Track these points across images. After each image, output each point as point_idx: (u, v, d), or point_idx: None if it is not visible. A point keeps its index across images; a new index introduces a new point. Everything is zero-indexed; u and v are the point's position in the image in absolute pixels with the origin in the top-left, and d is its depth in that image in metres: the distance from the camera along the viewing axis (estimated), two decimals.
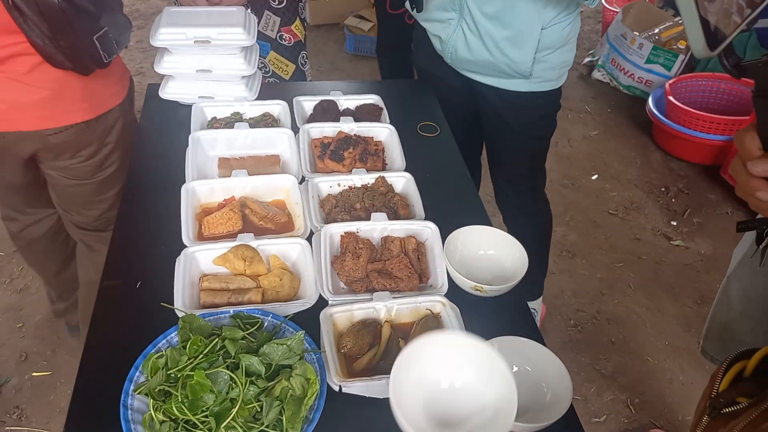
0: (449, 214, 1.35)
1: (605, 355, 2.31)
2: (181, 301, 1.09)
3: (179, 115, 1.63)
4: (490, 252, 1.25)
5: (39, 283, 2.51)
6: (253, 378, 0.93)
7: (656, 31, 3.70)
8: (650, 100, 3.39)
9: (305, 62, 2.50)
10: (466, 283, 1.15)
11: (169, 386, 0.92)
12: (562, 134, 3.48)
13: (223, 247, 1.19)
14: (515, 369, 1.02)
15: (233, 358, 0.94)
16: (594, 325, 2.43)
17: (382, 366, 1.05)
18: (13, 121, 1.40)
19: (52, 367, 2.23)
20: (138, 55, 4.07)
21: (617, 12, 3.86)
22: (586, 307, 2.50)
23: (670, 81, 3.38)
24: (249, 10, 1.69)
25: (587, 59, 4.10)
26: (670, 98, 3.25)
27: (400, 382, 0.88)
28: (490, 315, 1.19)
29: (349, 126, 1.52)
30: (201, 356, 0.93)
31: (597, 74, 3.97)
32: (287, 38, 2.37)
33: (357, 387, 1.00)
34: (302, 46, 2.47)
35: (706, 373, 2.22)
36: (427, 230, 1.26)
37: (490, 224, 1.35)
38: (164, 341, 1.02)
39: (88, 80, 1.42)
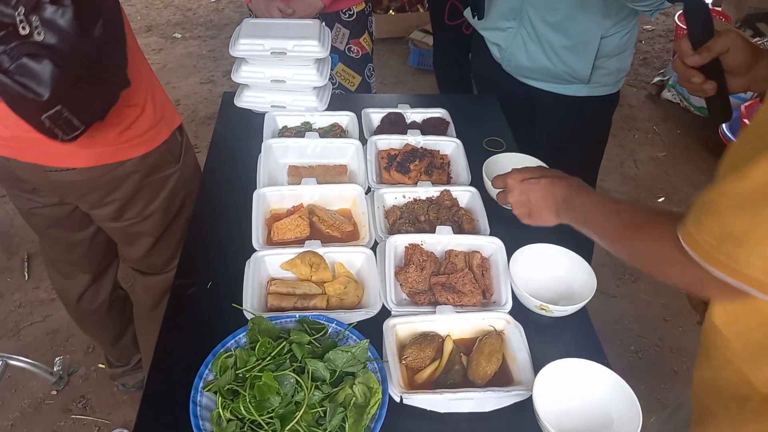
0: (513, 231, 1.34)
1: (666, 385, 2.22)
2: (250, 303, 1.12)
3: (252, 122, 1.69)
4: (557, 271, 1.22)
5: None
6: (318, 383, 0.94)
7: None
8: (724, 123, 3.26)
9: (371, 74, 2.54)
10: (531, 302, 1.14)
11: (237, 385, 0.95)
12: (628, 155, 3.39)
13: (291, 252, 1.21)
14: (583, 393, 1.00)
15: (299, 362, 0.96)
16: (656, 353, 2.34)
17: (443, 380, 1.05)
18: (16, 149, 1.35)
19: None
20: (210, 64, 4.23)
21: None
22: (648, 334, 2.41)
23: (746, 103, 3.24)
24: (322, 23, 1.74)
25: (657, 78, 3.98)
26: (746, 121, 3.11)
27: (540, 397, 0.96)
28: (554, 335, 1.16)
29: (415, 139, 1.54)
30: (269, 358, 0.96)
31: (667, 94, 3.85)
32: (355, 50, 2.42)
33: (419, 399, 1.00)
34: (369, 59, 2.51)
35: None
36: (492, 246, 1.25)
37: (555, 242, 1.33)
38: (233, 341, 1.05)
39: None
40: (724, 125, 3.25)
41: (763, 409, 0.80)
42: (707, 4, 1.07)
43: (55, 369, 2.24)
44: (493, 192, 1.39)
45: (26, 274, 2.64)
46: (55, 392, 2.21)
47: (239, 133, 1.67)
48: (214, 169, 1.54)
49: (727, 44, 1.03)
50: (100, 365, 2.29)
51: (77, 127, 1.18)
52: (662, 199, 3.11)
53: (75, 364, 2.30)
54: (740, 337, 0.81)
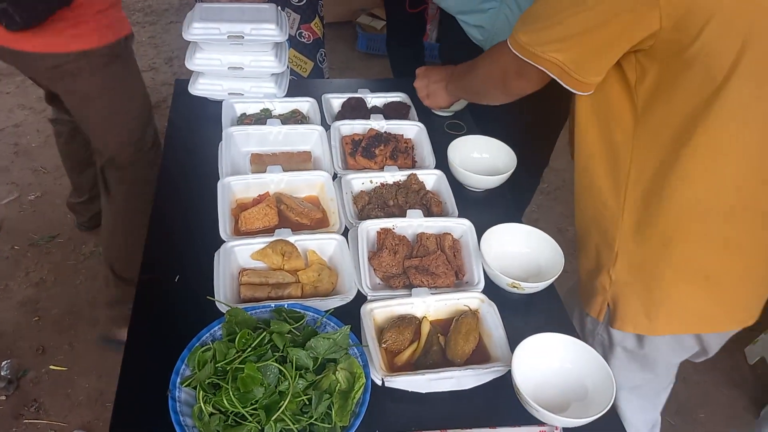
0: (479, 212, 1.37)
1: None
2: (223, 295, 1.10)
3: (208, 110, 1.64)
4: (525, 250, 1.26)
5: (55, 277, 2.52)
6: (301, 371, 0.94)
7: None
8: None
9: (323, 59, 2.50)
10: (503, 280, 1.16)
11: (218, 379, 0.93)
12: None
13: (261, 242, 1.19)
14: (558, 365, 1.04)
15: (281, 352, 0.95)
16: None
17: (422, 361, 1.06)
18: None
19: (69, 361, 2.23)
20: (150, 51, 4.07)
21: None
22: None
23: None
24: (278, 7, 1.70)
25: None
26: None
27: (519, 371, 0.99)
28: (525, 312, 1.20)
29: (379, 123, 1.53)
30: (249, 349, 0.94)
31: None
32: (306, 35, 2.38)
33: (400, 381, 1.01)
34: (321, 44, 2.48)
35: None
36: (462, 227, 1.27)
37: (520, 221, 1.37)
38: (208, 334, 1.02)
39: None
40: None
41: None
42: None
43: (2, 373, 2.14)
44: (463, 175, 1.41)
45: None
46: (4, 397, 2.11)
47: (195, 122, 1.62)
48: (172, 160, 1.49)
49: None
50: (52, 366, 2.20)
51: (18, 23, 1.59)
52: None
53: (24, 367, 2.20)
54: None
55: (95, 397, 2.13)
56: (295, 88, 1.75)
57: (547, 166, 2.27)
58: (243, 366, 0.91)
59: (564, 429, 0.98)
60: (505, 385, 1.04)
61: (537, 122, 1.89)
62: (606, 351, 1.27)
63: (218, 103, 1.63)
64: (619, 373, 1.18)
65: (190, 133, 1.57)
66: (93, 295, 2.46)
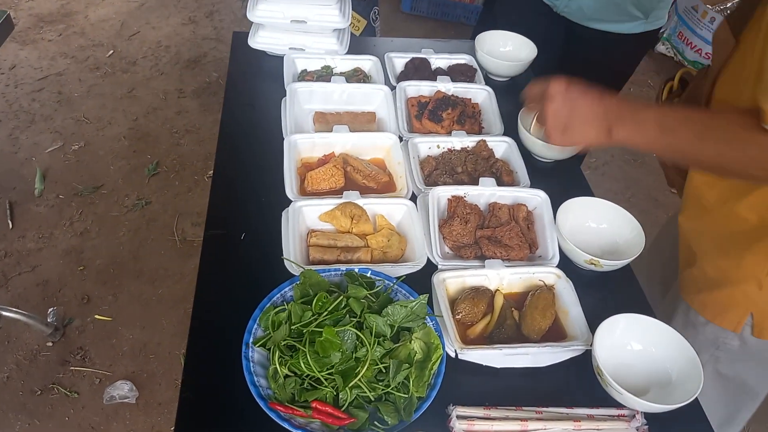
0: (548, 183, 1.31)
1: None
2: (292, 256, 1.07)
3: (266, 65, 1.60)
4: (603, 225, 1.20)
5: (99, 228, 2.53)
6: (379, 339, 0.91)
7: (729, 5, 3.53)
8: None
9: (376, 18, 2.43)
10: (580, 256, 1.11)
11: (294, 341, 0.90)
12: None
13: (329, 203, 1.16)
14: (641, 348, 0.99)
15: (359, 317, 0.92)
16: None
17: (496, 335, 1.03)
18: None
19: (113, 312, 2.26)
20: (191, 3, 4.00)
21: None
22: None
23: None
24: None
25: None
26: None
27: (601, 351, 0.96)
28: (602, 290, 1.15)
29: (446, 86, 1.47)
30: (326, 313, 0.91)
31: (661, 47, 3.82)
32: None
33: (475, 354, 0.98)
34: (375, 2, 2.40)
35: None
36: (537, 198, 1.22)
37: (591, 193, 1.31)
38: (278, 295, 1.00)
39: None
40: None
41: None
42: None
43: (49, 320, 2.17)
44: (532, 143, 1.35)
45: (10, 222, 2.51)
46: (50, 344, 2.14)
47: (253, 77, 1.57)
48: (233, 115, 1.45)
49: None
50: (97, 316, 2.23)
51: None
52: None
53: (69, 315, 2.22)
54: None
55: (139, 348, 2.15)
56: (354, 46, 1.69)
57: None
58: (320, 330, 0.89)
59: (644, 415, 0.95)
60: (580, 364, 1.01)
61: (608, 77, 1.86)
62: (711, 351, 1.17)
63: (277, 58, 1.58)
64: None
65: (249, 87, 1.53)
66: (136, 248, 2.47)
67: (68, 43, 3.50)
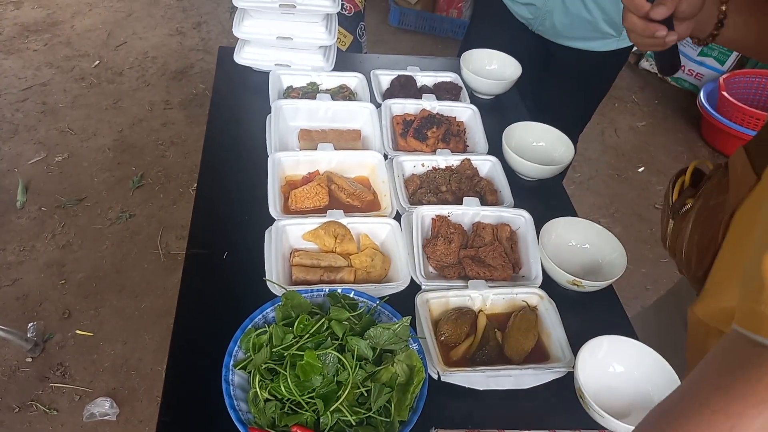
0: (531, 202, 1.31)
1: None
2: (275, 276, 1.06)
3: (251, 80, 1.59)
4: (585, 245, 1.21)
5: (82, 240, 2.50)
6: (361, 362, 0.90)
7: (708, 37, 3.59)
8: (702, 94, 3.31)
9: (363, 34, 2.44)
10: (563, 277, 1.12)
11: (274, 364, 0.90)
12: (608, 123, 3.42)
13: (313, 222, 1.15)
14: (622, 370, 1.00)
15: (340, 340, 0.92)
16: None
17: (478, 356, 1.03)
18: None
19: (94, 327, 2.22)
20: (179, 14, 3.99)
21: None
22: (630, 302, 2.46)
23: (725, 76, 3.30)
24: None
25: (636, 48, 4.00)
26: (724, 93, 3.17)
27: (583, 373, 0.96)
28: (584, 310, 1.15)
29: (431, 104, 1.48)
30: (307, 336, 0.91)
31: (645, 64, 3.87)
32: (348, 8, 2.31)
33: (458, 377, 0.97)
34: (361, 17, 2.41)
35: None
36: (521, 219, 1.22)
37: (575, 213, 1.32)
38: (260, 316, 0.99)
39: None
40: (702, 95, 3.30)
41: None
42: None
43: (28, 335, 2.13)
44: (516, 162, 1.35)
45: None
46: (30, 359, 2.10)
47: (238, 93, 1.57)
48: (218, 130, 1.44)
49: None
50: (78, 331, 2.19)
51: None
52: (642, 168, 3.15)
53: (50, 330, 2.19)
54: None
55: (120, 364, 2.12)
56: (341, 62, 1.70)
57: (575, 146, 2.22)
58: (301, 353, 0.88)
59: None
60: (562, 386, 1.01)
61: (586, 94, 1.93)
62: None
63: (262, 74, 1.58)
64: None
65: (234, 103, 1.52)
66: (119, 261, 2.44)
67: (53, 53, 3.48)
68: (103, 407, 1.97)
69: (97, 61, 3.46)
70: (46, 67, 3.37)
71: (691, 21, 0.94)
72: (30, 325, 2.16)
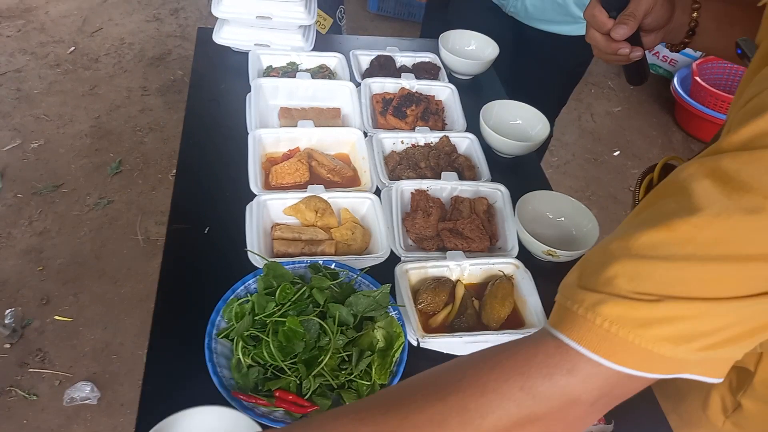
0: (507, 177, 1.34)
1: None
2: (256, 249, 1.07)
3: (231, 61, 1.59)
4: (560, 218, 1.24)
5: (60, 227, 2.48)
6: (342, 328, 0.92)
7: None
8: (675, 80, 3.38)
9: (342, 17, 2.45)
10: (538, 247, 1.15)
11: (257, 331, 0.91)
12: (585, 108, 3.47)
13: (294, 197, 1.17)
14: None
15: (322, 307, 0.94)
16: None
17: (457, 324, 1.05)
18: None
19: (74, 313, 2.21)
20: (155, 0, 3.94)
21: None
22: None
23: (698, 61, 3.36)
24: None
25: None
26: (697, 79, 3.23)
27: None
28: (559, 279, 1.18)
29: (410, 83, 1.49)
30: (289, 303, 0.93)
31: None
32: None
33: (436, 343, 1.00)
34: (341, 1, 2.41)
35: None
36: (498, 192, 1.25)
37: (550, 188, 1.35)
38: (242, 287, 1.01)
39: None
40: (675, 81, 3.36)
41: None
42: None
43: (6, 321, 2.11)
44: (493, 139, 1.38)
45: None
46: (8, 345, 2.09)
47: (218, 73, 1.57)
48: (196, 110, 1.44)
49: (650, 5, 0.87)
50: (57, 317, 2.18)
51: None
52: (617, 152, 3.21)
53: (28, 316, 2.17)
54: None
55: (101, 348, 2.12)
56: (320, 44, 1.70)
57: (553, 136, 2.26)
58: (284, 319, 0.90)
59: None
60: None
61: (560, 78, 1.97)
62: None
63: (242, 54, 1.58)
64: None
65: (213, 83, 1.52)
66: (98, 247, 2.42)
67: (27, 39, 3.42)
68: (83, 391, 1.97)
69: (73, 47, 3.41)
70: (19, 53, 3.32)
71: (661, 31, 0.94)
72: (8, 311, 2.15)
